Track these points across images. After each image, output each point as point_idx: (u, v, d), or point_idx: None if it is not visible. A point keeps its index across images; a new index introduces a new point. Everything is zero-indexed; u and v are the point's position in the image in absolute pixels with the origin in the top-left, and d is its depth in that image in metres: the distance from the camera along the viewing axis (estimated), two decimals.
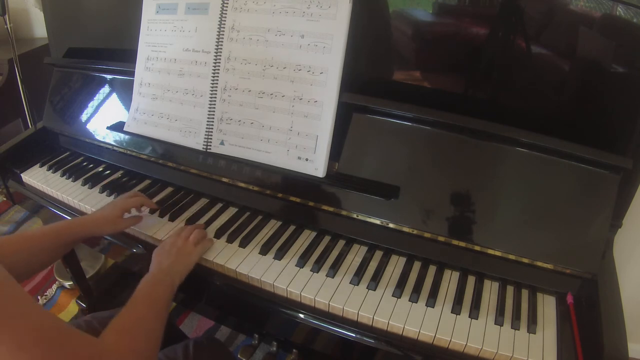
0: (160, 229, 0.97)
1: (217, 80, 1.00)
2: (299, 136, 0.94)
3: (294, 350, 1.16)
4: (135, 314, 0.70)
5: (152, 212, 1.03)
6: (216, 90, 1.01)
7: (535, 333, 0.77)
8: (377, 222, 0.91)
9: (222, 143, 1.01)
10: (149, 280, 0.78)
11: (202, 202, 1.08)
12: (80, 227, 0.88)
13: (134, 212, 1.00)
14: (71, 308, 1.70)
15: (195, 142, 1.03)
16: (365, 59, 0.96)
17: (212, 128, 1.02)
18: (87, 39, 1.30)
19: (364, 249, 0.94)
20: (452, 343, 0.75)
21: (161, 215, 1.02)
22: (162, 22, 1.07)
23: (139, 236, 0.98)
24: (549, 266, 0.82)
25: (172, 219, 1.01)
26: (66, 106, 1.28)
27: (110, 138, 1.18)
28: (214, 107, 1.01)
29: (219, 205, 1.06)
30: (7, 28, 1.58)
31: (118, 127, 1.14)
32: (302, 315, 0.82)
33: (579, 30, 0.81)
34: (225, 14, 0.98)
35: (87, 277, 1.62)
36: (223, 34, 0.99)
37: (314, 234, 0.97)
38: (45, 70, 1.35)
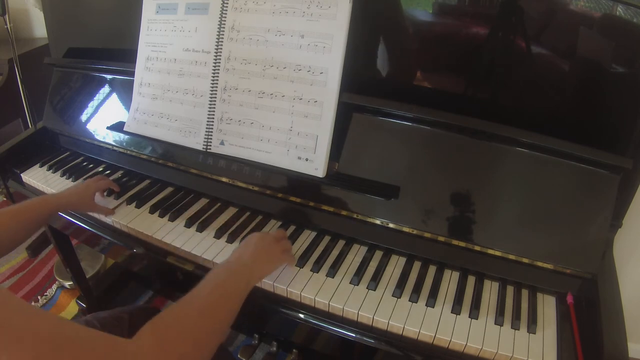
0: (160, 229, 0.97)
1: (217, 80, 1.00)
2: (299, 136, 0.94)
3: (294, 350, 1.16)
4: (197, 307, 0.59)
5: (116, 196, 1.09)
6: (216, 90, 1.01)
7: (535, 333, 0.77)
8: (377, 222, 0.91)
9: (222, 143, 1.01)
10: (222, 269, 0.68)
11: (202, 202, 1.08)
12: (57, 202, 0.95)
13: (98, 197, 1.06)
14: (71, 308, 1.70)
15: (195, 142, 1.03)
16: (365, 59, 0.96)
17: (212, 128, 1.02)
18: (87, 39, 1.30)
19: (364, 249, 0.94)
20: (452, 343, 0.75)
21: (161, 215, 1.02)
22: (162, 22, 1.07)
23: (138, 236, 0.99)
24: (549, 266, 0.82)
25: (172, 219, 1.00)
26: (66, 106, 1.28)
27: (110, 138, 1.18)
28: (214, 107, 1.01)
29: (219, 205, 1.06)
30: (7, 28, 1.58)
31: (118, 127, 1.14)
32: (302, 315, 0.82)
33: (579, 30, 0.81)
34: (225, 14, 0.98)
35: (87, 277, 1.62)
36: (223, 34, 0.99)
37: (314, 234, 0.97)
38: (45, 70, 1.35)
